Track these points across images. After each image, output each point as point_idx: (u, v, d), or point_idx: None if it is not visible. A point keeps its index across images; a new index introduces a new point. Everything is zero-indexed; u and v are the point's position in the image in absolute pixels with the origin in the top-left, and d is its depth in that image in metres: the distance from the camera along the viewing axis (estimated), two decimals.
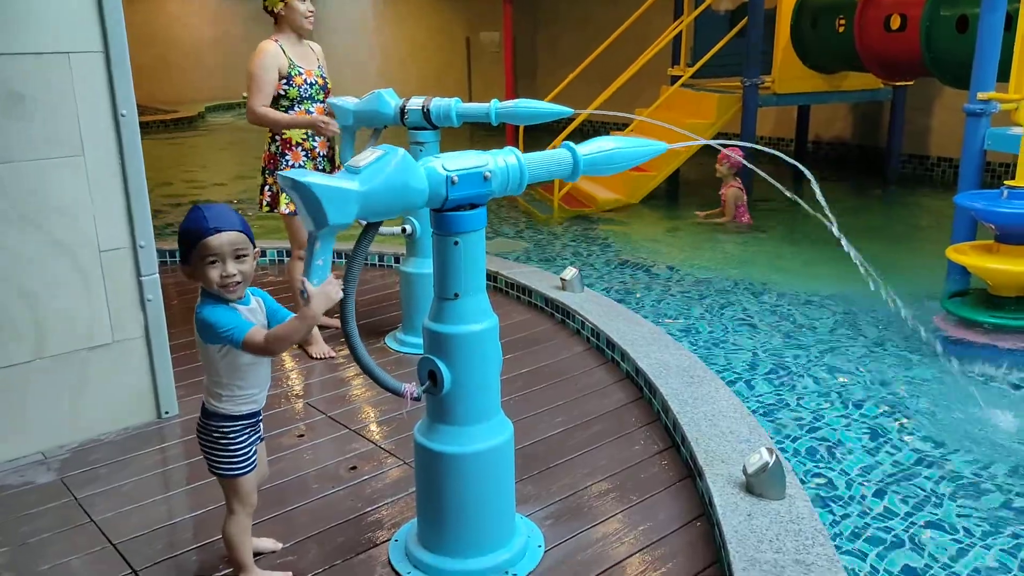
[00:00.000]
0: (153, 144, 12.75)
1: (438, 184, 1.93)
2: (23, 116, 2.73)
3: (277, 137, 3.87)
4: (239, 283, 1.96)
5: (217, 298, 1.97)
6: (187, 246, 1.96)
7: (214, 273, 1.94)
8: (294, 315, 1.96)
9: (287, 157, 3.86)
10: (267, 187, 3.89)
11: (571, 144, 2.17)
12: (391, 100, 3.59)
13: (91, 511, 2.63)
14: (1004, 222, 4.22)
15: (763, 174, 2.89)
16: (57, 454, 2.98)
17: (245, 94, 3.81)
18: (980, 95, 4.85)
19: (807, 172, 2.51)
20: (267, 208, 3.91)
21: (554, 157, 2.16)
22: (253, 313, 2.02)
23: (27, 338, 2.88)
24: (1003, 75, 4.91)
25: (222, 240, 1.93)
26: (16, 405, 2.91)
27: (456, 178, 1.94)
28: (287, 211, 3.84)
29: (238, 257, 1.95)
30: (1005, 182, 4.32)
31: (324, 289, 1.85)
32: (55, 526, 2.56)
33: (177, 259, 2.07)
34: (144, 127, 14.67)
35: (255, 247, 2.01)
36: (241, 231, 1.96)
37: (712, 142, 2.69)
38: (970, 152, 4.98)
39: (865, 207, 7.47)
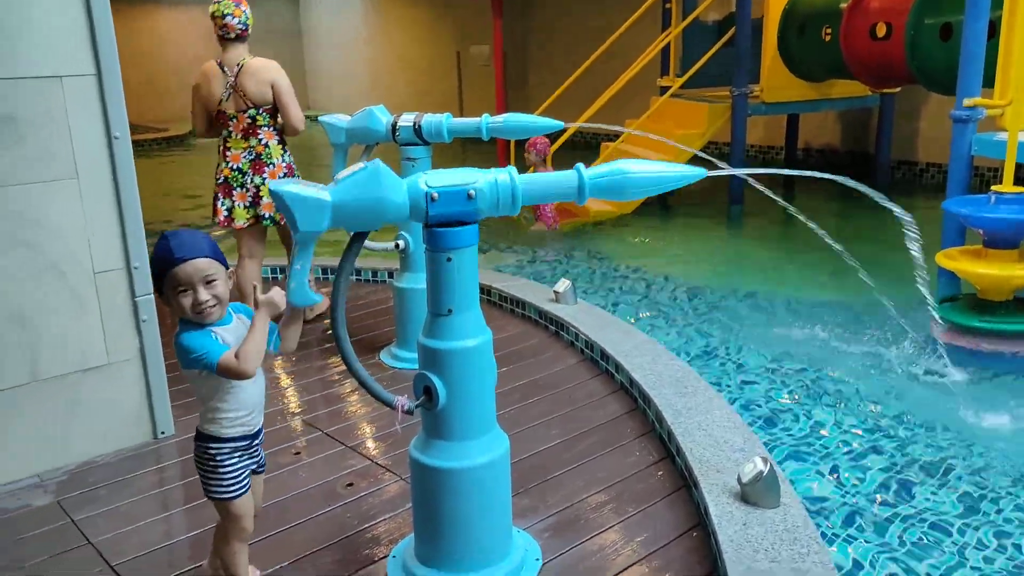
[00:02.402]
0: (146, 162, 12.76)
1: (418, 199, 1.95)
2: (17, 140, 2.75)
3: (287, 150, 4.28)
4: (214, 307, 1.97)
5: (194, 324, 1.98)
6: (158, 277, 1.98)
7: (186, 302, 1.95)
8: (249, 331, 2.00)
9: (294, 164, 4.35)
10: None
11: (581, 167, 2.03)
12: (382, 117, 3.62)
13: (88, 533, 2.63)
14: (991, 227, 4.25)
15: (752, 181, 2.91)
16: (54, 476, 2.98)
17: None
18: (966, 102, 4.90)
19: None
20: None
21: (557, 180, 2.05)
22: (235, 331, 2.02)
23: (22, 361, 2.88)
24: (988, 81, 4.96)
25: (188, 270, 1.93)
26: (11, 428, 2.91)
27: (436, 195, 1.95)
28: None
29: (209, 283, 1.96)
30: (992, 187, 4.36)
31: (268, 297, 1.93)
32: (52, 549, 2.56)
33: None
34: (136, 145, 14.66)
35: (227, 267, 2.02)
36: (209, 256, 1.96)
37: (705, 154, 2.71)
38: (957, 158, 5.02)
39: (855, 213, 7.51)
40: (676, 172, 2.04)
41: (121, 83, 2.90)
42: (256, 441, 2.13)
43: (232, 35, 4.12)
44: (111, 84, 2.87)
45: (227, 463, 2.06)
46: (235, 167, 4.15)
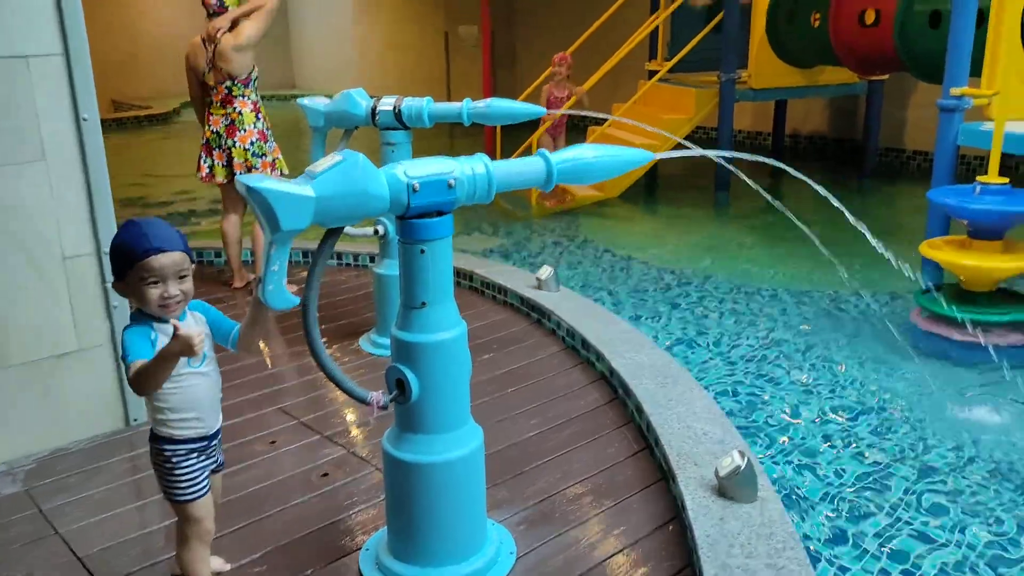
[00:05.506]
0: (127, 141, 12.60)
1: (399, 191, 1.89)
2: None
3: (262, 117, 4.70)
4: (179, 303, 1.90)
5: (146, 317, 1.91)
6: (124, 264, 1.87)
7: (154, 293, 1.87)
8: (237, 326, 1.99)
9: (269, 131, 4.76)
10: (266, 157, 4.68)
11: (545, 152, 2.10)
12: (362, 101, 3.55)
13: (57, 523, 2.59)
14: (976, 218, 4.24)
15: (737, 171, 2.88)
16: (23, 464, 2.92)
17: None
18: (953, 91, 4.87)
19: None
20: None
21: (526, 165, 2.10)
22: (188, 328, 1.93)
23: None
24: (976, 70, 4.94)
25: (164, 261, 1.86)
26: None
27: (417, 185, 1.90)
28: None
29: (181, 277, 1.89)
30: (978, 178, 4.35)
31: (187, 335, 1.72)
32: (18, 540, 2.51)
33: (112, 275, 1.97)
34: (119, 124, 14.24)
35: (193, 263, 1.96)
36: (183, 250, 1.90)
37: (694, 147, 2.67)
38: (944, 147, 5.00)
39: (842, 200, 7.51)
40: (627, 155, 2.18)
41: (89, 63, 2.83)
42: (214, 442, 2.06)
43: (210, 11, 4.55)
44: (79, 64, 2.79)
45: (183, 465, 1.98)
46: (214, 130, 4.66)
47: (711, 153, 2.31)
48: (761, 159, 2.35)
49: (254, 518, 2.60)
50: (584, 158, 2.13)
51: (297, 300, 1.90)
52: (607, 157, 2.15)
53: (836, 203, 2.39)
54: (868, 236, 2.40)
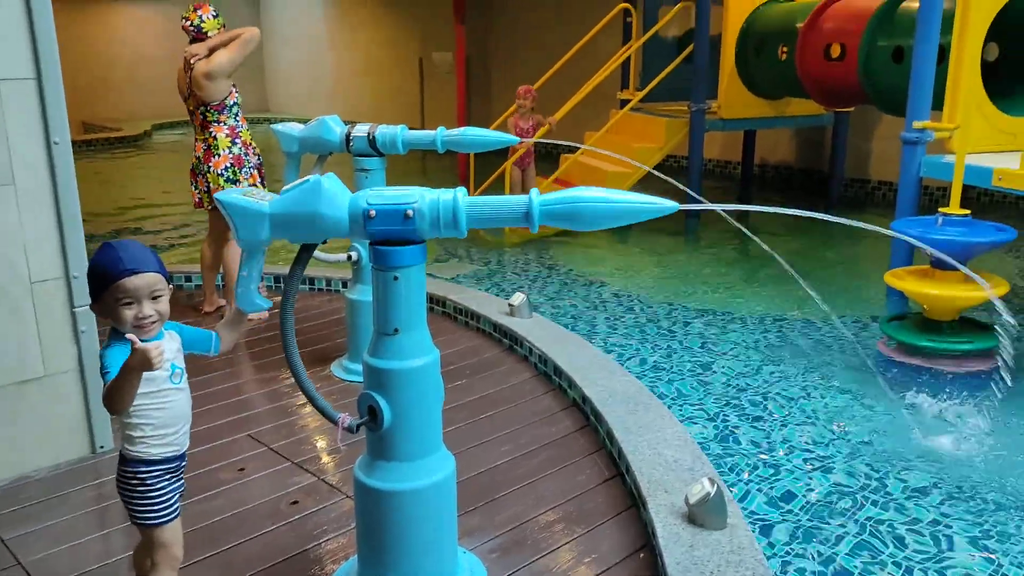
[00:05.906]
0: (96, 164, 12.48)
1: (357, 216, 1.93)
2: None
3: (237, 142, 4.59)
4: (155, 323, 1.93)
5: (123, 336, 1.90)
6: (99, 286, 1.91)
7: (128, 314, 1.90)
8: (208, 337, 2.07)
9: (248, 156, 4.65)
10: (240, 183, 4.61)
11: (535, 191, 1.90)
12: (336, 127, 3.58)
13: (19, 553, 2.54)
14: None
15: (726, 215, 2.92)
16: None
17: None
18: (915, 124, 5.01)
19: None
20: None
21: (506, 204, 1.92)
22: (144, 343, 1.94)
23: None
24: (937, 104, 5.08)
25: (138, 283, 1.89)
26: None
27: (373, 212, 1.91)
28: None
29: (155, 298, 1.92)
30: (940, 209, 4.45)
31: (147, 347, 1.73)
32: None
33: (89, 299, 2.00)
34: (88, 145, 14.10)
35: (170, 284, 1.99)
36: (158, 272, 1.93)
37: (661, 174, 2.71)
38: (907, 179, 5.13)
39: (808, 229, 7.63)
40: (641, 204, 1.81)
41: (62, 87, 2.81)
42: (183, 463, 2.07)
43: (189, 37, 4.56)
44: (52, 88, 2.78)
45: (158, 486, 1.99)
46: (196, 155, 4.63)
47: (744, 208, 2.17)
48: (787, 211, 1.98)
49: (222, 547, 2.56)
50: (580, 201, 1.82)
51: (267, 304, 2.08)
52: (610, 204, 1.80)
53: (846, 220, 2.12)
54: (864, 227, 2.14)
